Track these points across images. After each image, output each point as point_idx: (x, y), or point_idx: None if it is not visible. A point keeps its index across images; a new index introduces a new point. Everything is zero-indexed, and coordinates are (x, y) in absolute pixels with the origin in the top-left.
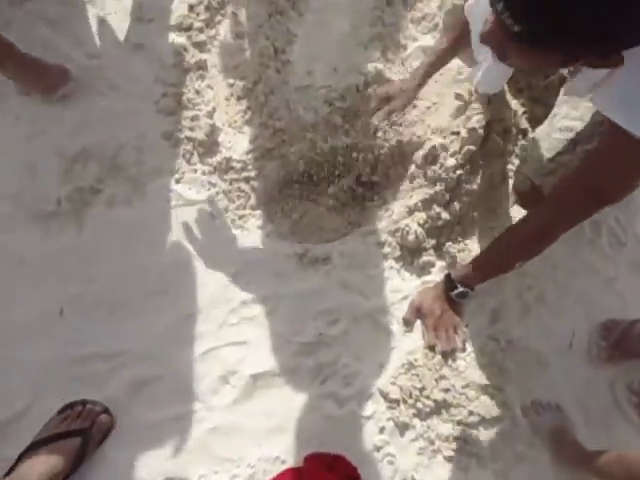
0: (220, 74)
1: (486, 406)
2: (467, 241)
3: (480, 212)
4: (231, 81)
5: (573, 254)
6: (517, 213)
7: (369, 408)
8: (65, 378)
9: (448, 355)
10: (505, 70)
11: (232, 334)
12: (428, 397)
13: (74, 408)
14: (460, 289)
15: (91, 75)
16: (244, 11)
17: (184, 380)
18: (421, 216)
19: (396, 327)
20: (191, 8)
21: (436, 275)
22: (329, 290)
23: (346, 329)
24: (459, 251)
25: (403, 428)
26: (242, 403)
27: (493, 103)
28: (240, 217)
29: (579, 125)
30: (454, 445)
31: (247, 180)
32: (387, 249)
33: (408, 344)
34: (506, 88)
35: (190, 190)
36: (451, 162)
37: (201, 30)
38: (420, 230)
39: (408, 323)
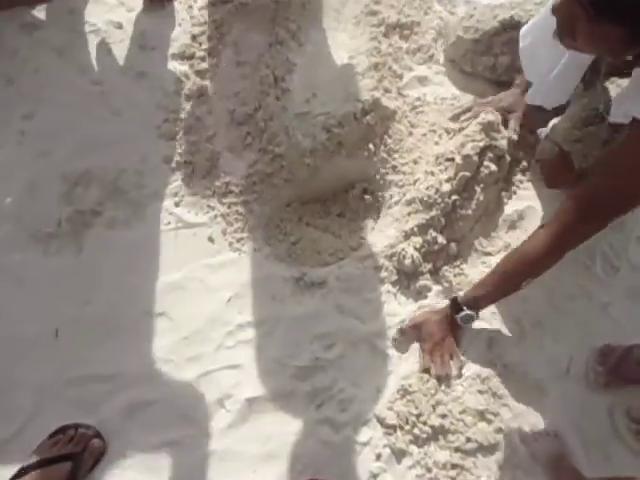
0: (221, 101)
1: (484, 433)
2: (463, 266)
3: (476, 237)
4: (231, 107)
5: (568, 279)
6: (513, 239)
7: (365, 434)
8: (60, 399)
9: (442, 380)
10: (574, 74)
11: (228, 357)
12: (425, 423)
13: (66, 432)
14: (466, 312)
15: (95, 101)
16: (245, 41)
17: (179, 404)
18: (417, 240)
19: (392, 351)
20: (194, 38)
21: (432, 299)
22: (325, 314)
23: (342, 353)
24: (455, 275)
25: (400, 455)
26: (237, 427)
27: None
28: (238, 240)
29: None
30: (452, 473)
31: (245, 204)
32: (384, 273)
33: (404, 369)
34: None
35: (189, 213)
36: (446, 187)
37: (203, 59)
38: (417, 254)
39: (403, 333)
